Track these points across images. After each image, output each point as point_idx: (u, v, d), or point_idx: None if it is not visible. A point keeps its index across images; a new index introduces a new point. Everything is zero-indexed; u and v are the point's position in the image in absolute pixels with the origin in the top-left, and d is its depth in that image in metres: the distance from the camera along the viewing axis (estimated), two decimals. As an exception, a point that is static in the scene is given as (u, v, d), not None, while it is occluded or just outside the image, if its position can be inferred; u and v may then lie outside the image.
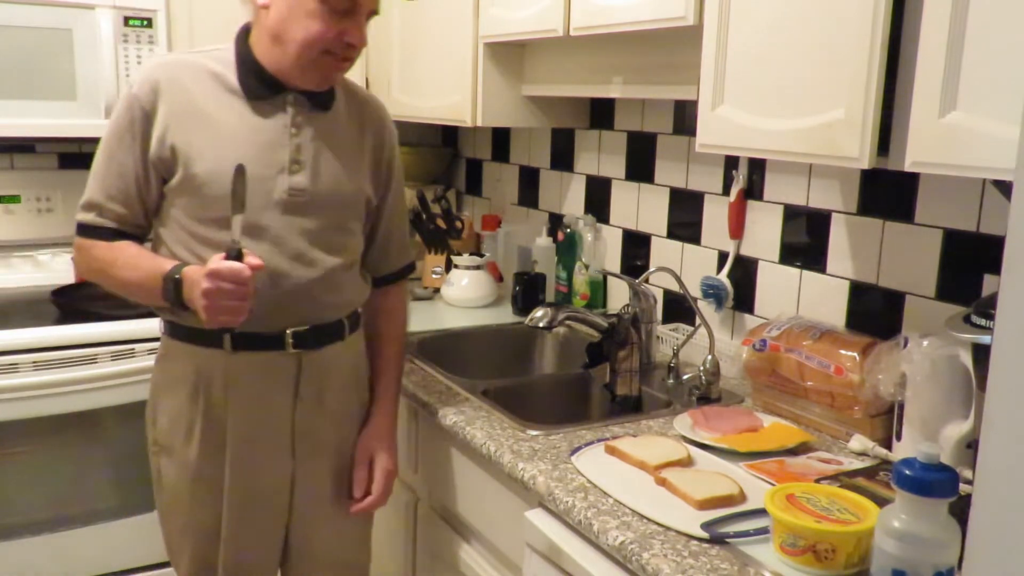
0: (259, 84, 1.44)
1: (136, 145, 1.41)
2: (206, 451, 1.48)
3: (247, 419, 1.47)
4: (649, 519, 1.22)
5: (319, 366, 1.50)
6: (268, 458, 1.50)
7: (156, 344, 2.14)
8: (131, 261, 1.44)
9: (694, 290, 1.99)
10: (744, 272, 1.95)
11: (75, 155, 2.68)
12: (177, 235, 1.44)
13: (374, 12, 1.43)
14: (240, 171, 1.33)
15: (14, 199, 2.53)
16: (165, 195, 1.44)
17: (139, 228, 1.48)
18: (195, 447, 1.48)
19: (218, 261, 1.29)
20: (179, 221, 1.44)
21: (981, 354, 1.24)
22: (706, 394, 1.76)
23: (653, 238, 2.22)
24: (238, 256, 1.30)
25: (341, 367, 1.56)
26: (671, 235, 2.16)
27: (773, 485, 1.31)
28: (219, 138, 1.40)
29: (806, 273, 1.80)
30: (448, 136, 3.13)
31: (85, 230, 1.48)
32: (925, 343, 1.39)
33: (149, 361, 2.12)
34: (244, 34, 1.48)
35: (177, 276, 1.36)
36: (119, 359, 2.12)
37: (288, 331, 1.45)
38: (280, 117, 1.44)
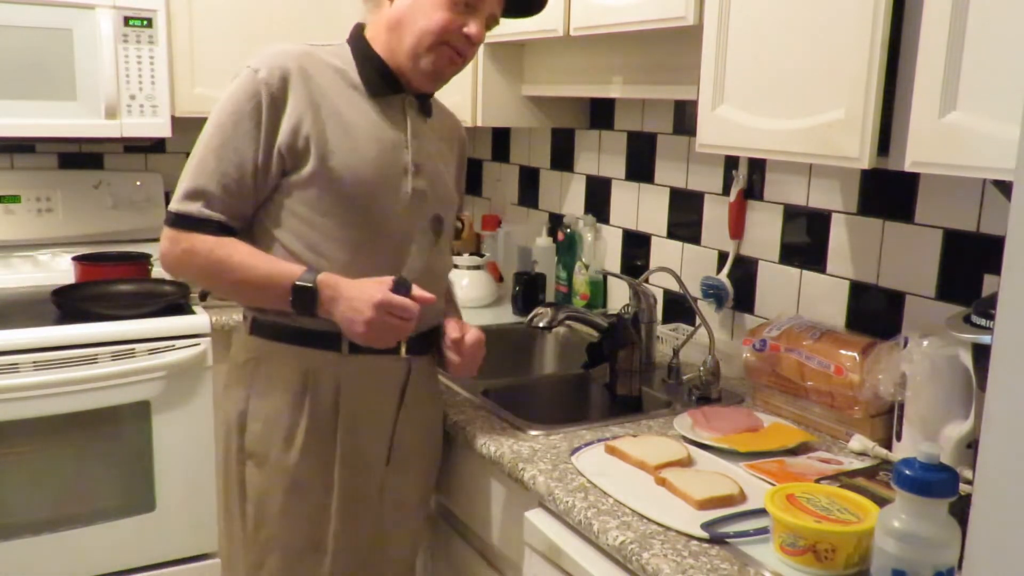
0: (380, 80, 1.41)
1: (259, 132, 1.33)
2: (307, 458, 1.40)
3: (356, 424, 1.42)
4: (649, 519, 1.22)
5: (422, 372, 1.50)
6: (370, 466, 1.46)
7: (156, 344, 2.18)
8: (247, 261, 1.34)
9: (694, 290, 1.99)
10: (744, 272, 1.95)
11: (75, 155, 2.68)
12: (296, 230, 1.37)
13: (495, 18, 1.43)
14: (404, 284, 1.33)
15: (14, 199, 2.53)
16: (283, 188, 1.37)
17: (244, 223, 1.39)
18: (295, 454, 1.40)
19: (387, 292, 1.28)
20: (298, 215, 1.37)
21: (981, 354, 1.24)
22: (706, 394, 1.76)
23: (653, 238, 2.22)
24: (407, 288, 1.30)
25: (434, 376, 1.58)
26: (671, 235, 2.16)
27: (773, 485, 1.31)
28: (350, 133, 1.36)
29: (806, 273, 1.80)
30: (448, 136, 3.13)
31: (186, 222, 1.34)
32: (925, 343, 1.39)
33: (149, 361, 2.14)
34: (359, 31, 1.45)
35: (310, 285, 1.30)
36: (119, 359, 2.12)
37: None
38: (399, 119, 1.43)
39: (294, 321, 1.38)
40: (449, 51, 1.39)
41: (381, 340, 1.32)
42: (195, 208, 1.34)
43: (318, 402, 1.40)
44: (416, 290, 1.31)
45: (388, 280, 1.31)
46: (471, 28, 1.37)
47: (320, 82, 1.36)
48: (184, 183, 1.35)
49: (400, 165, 1.41)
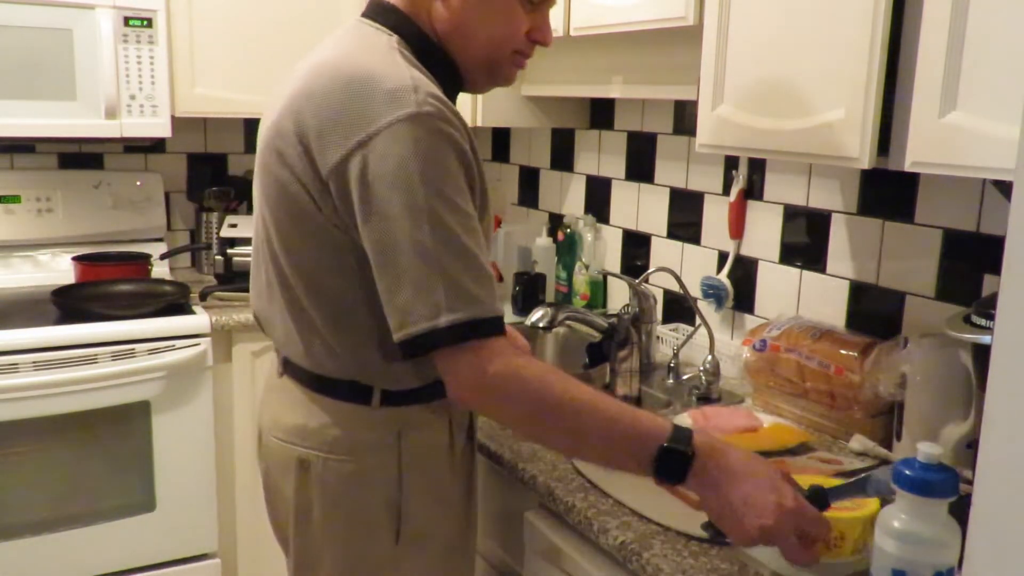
0: (456, 89, 1.20)
1: (473, 190, 1.07)
2: (461, 517, 1.27)
3: (478, 459, 1.31)
4: (649, 519, 1.22)
5: None
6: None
7: (156, 344, 2.18)
8: (597, 406, 1.03)
9: (694, 290, 1.99)
10: (744, 272, 1.95)
11: (75, 155, 2.68)
12: None
13: (553, 3, 1.22)
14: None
15: (14, 199, 2.53)
16: None
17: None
18: (452, 517, 1.24)
19: (800, 499, 1.00)
20: None
21: (981, 354, 1.24)
22: (706, 394, 1.76)
23: (653, 238, 2.22)
24: (824, 500, 1.03)
25: None
26: (671, 235, 2.16)
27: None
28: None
29: (806, 273, 1.80)
30: (448, 136, 3.13)
31: (493, 324, 1.02)
32: (925, 343, 1.39)
33: (149, 361, 2.14)
34: (405, 20, 1.15)
35: (686, 450, 1.00)
36: (119, 359, 2.12)
37: None
38: None
39: (435, 374, 1.08)
40: (519, 58, 1.20)
41: (758, 543, 1.01)
42: (499, 307, 1.03)
43: (460, 452, 1.25)
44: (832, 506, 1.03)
45: (788, 473, 1.04)
46: (543, 33, 1.19)
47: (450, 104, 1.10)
48: (464, 277, 1.00)
49: None
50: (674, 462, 1.01)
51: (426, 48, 1.15)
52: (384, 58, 1.08)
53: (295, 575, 1.28)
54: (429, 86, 1.05)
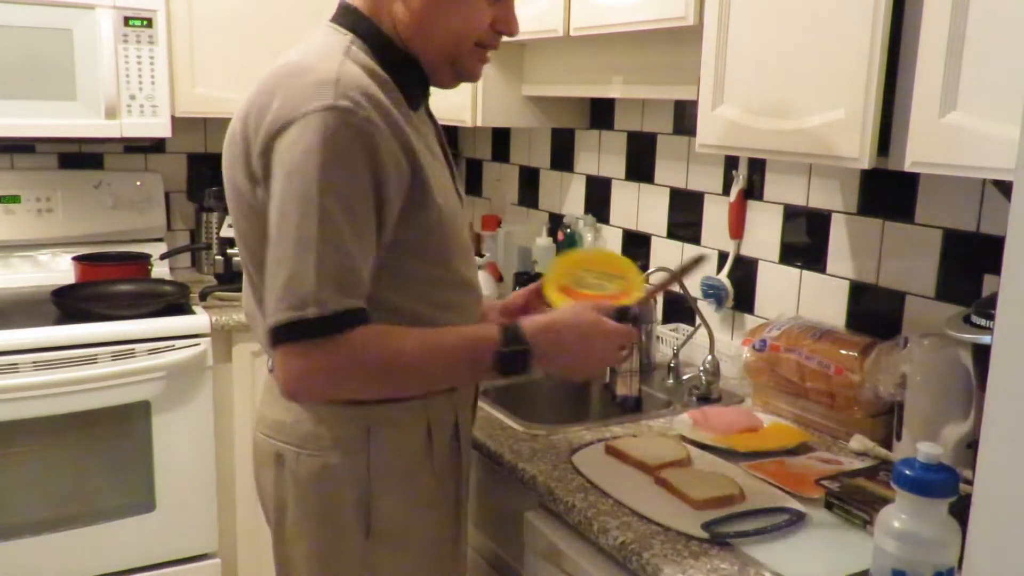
0: (419, 89, 1.20)
1: (379, 186, 1.06)
2: (442, 516, 1.26)
3: (469, 460, 1.31)
4: (649, 519, 1.22)
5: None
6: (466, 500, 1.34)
7: (156, 344, 2.18)
8: (425, 346, 1.09)
9: (694, 290, 1.99)
10: (744, 272, 1.95)
11: (75, 155, 2.68)
12: (414, 290, 1.15)
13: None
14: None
15: (14, 199, 2.53)
16: (394, 245, 1.11)
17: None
18: (431, 515, 1.24)
19: (616, 325, 1.17)
20: (411, 271, 1.15)
21: (981, 354, 1.24)
22: (706, 394, 1.76)
23: (653, 238, 2.22)
24: (625, 314, 1.21)
25: None
26: (671, 235, 2.16)
27: (773, 485, 1.31)
28: (421, 154, 1.12)
29: (806, 273, 1.80)
30: (448, 136, 3.12)
31: (332, 324, 1.03)
32: (925, 343, 1.39)
33: (149, 361, 2.14)
34: (364, 18, 1.17)
35: (524, 345, 1.10)
36: (119, 359, 2.12)
37: None
38: (430, 125, 1.26)
39: (506, 376, 1.15)
40: (482, 52, 1.21)
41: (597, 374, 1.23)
42: (338, 303, 1.02)
43: (441, 453, 1.24)
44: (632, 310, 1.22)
45: (598, 305, 1.20)
46: (508, 24, 1.20)
47: (385, 101, 1.09)
48: (308, 276, 1.02)
49: (449, 174, 1.25)
50: (514, 359, 1.10)
51: (384, 47, 1.16)
52: (325, 55, 1.10)
53: (277, 568, 1.29)
54: (359, 81, 1.06)
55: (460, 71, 1.22)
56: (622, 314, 1.21)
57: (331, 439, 1.18)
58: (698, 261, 1.30)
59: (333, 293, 1.02)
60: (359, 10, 1.18)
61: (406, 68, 1.17)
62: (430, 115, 1.29)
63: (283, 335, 1.03)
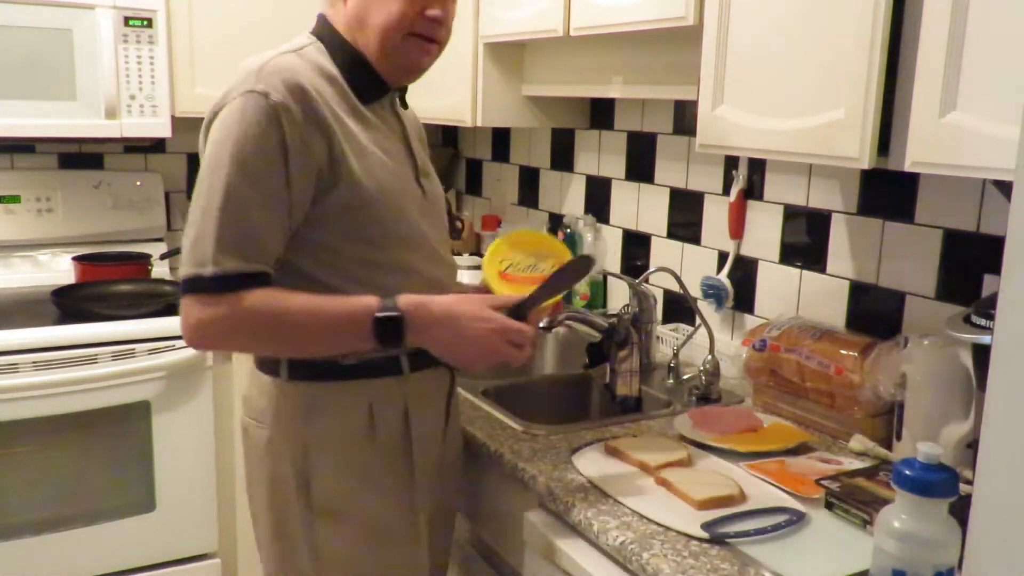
0: (372, 85, 1.29)
1: (287, 163, 1.15)
2: (387, 499, 1.30)
3: (427, 449, 1.34)
4: (649, 519, 1.22)
5: (455, 380, 1.45)
6: (440, 489, 1.40)
7: (156, 344, 2.18)
8: (309, 309, 1.17)
9: (694, 290, 1.99)
10: (744, 272, 1.95)
11: (75, 155, 2.68)
12: (333, 263, 1.23)
13: None
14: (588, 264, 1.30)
15: (14, 199, 2.53)
16: (311, 220, 1.21)
17: (277, 263, 1.21)
18: (373, 498, 1.28)
19: (502, 316, 1.20)
20: (333, 246, 1.22)
21: (981, 354, 1.24)
22: (706, 394, 1.76)
23: (653, 238, 2.22)
24: (523, 311, 1.23)
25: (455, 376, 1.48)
26: (671, 235, 2.16)
27: (773, 485, 1.31)
28: (365, 146, 1.23)
29: (806, 273, 1.80)
30: (448, 136, 3.13)
31: (225, 283, 1.13)
32: (925, 343, 1.39)
33: (149, 361, 2.14)
34: (331, 29, 1.30)
35: (396, 314, 1.17)
36: (119, 359, 2.12)
37: None
38: (392, 120, 1.34)
39: (352, 355, 1.25)
40: (418, 41, 1.27)
41: (487, 366, 1.23)
42: (233, 264, 1.13)
43: (387, 437, 1.29)
44: (533, 311, 1.23)
45: (493, 298, 1.23)
46: (434, 10, 1.25)
47: (324, 93, 1.22)
48: (210, 238, 1.13)
49: (408, 168, 1.33)
50: (391, 328, 1.17)
51: (338, 49, 1.28)
52: (277, 53, 1.23)
53: (255, 535, 1.39)
54: (283, 72, 1.18)
55: (399, 64, 1.29)
56: (518, 310, 1.23)
57: (273, 413, 1.28)
58: (586, 260, 1.33)
59: (230, 256, 1.13)
60: (327, 18, 1.31)
61: (355, 67, 1.28)
62: (395, 112, 1.36)
63: (186, 287, 1.16)
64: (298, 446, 1.27)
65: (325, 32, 1.30)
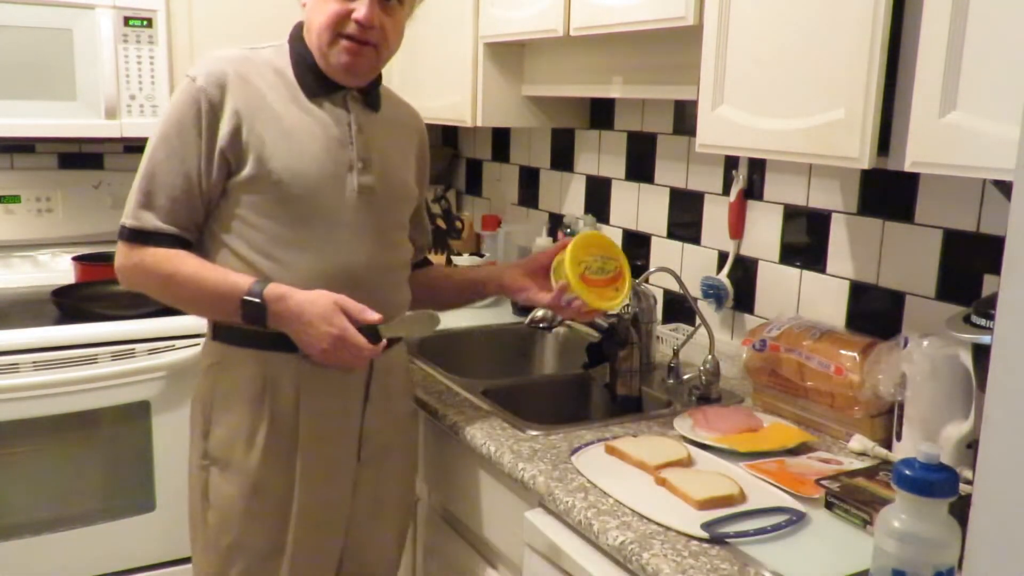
0: (315, 81, 1.42)
1: (201, 139, 1.35)
2: (269, 461, 1.41)
3: (318, 425, 1.43)
4: (649, 519, 1.22)
5: (386, 367, 1.50)
6: (336, 463, 1.46)
7: (156, 344, 2.18)
8: (195, 276, 1.35)
9: (694, 290, 1.99)
10: (744, 272, 1.95)
11: (75, 155, 2.68)
12: (244, 234, 1.38)
13: None
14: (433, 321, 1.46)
15: (14, 199, 2.53)
16: (228, 193, 1.38)
17: (197, 233, 1.41)
18: (257, 457, 1.40)
19: (346, 325, 1.32)
20: (245, 219, 1.38)
21: (981, 354, 1.24)
22: (706, 394, 1.76)
23: (653, 238, 2.22)
24: (374, 333, 1.35)
25: (402, 368, 1.59)
26: (671, 235, 2.16)
27: (773, 485, 1.31)
28: (289, 134, 1.38)
29: (806, 273, 1.80)
30: (448, 136, 3.13)
31: (138, 236, 1.37)
32: (925, 343, 1.39)
33: (149, 361, 2.14)
34: (299, 32, 1.46)
35: (258, 300, 1.32)
36: (119, 359, 2.12)
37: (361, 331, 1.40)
38: (341, 115, 1.43)
39: (252, 325, 1.39)
40: (347, 43, 1.38)
41: (334, 364, 1.37)
42: (147, 221, 1.36)
43: (279, 405, 1.41)
44: (383, 338, 1.37)
45: (345, 302, 1.33)
46: (358, 13, 1.36)
47: (258, 85, 1.38)
48: (134, 196, 1.37)
49: (344, 162, 1.41)
50: (255, 310, 1.32)
51: (296, 50, 1.44)
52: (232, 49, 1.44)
53: None
54: (215, 62, 1.37)
55: (333, 64, 1.40)
56: (372, 328, 1.34)
57: (201, 365, 1.49)
58: (432, 317, 1.48)
59: (146, 212, 1.36)
60: (300, 22, 1.47)
61: (302, 65, 1.43)
62: (350, 109, 1.45)
63: (118, 234, 1.40)
64: (206, 398, 1.45)
65: (292, 34, 1.47)
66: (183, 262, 1.36)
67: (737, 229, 1.93)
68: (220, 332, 1.45)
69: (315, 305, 1.32)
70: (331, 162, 1.40)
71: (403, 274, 1.55)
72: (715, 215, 2.01)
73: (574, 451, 1.45)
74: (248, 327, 1.38)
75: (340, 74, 1.41)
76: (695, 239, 2.08)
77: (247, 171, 1.35)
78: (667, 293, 2.15)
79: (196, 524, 1.48)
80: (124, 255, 1.39)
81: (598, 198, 2.40)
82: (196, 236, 1.41)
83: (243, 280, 1.34)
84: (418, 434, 1.67)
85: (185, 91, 1.36)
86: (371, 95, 1.48)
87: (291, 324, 1.33)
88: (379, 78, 1.50)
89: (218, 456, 1.43)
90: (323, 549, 1.49)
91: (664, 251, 2.18)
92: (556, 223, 2.51)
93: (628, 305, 1.97)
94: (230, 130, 1.35)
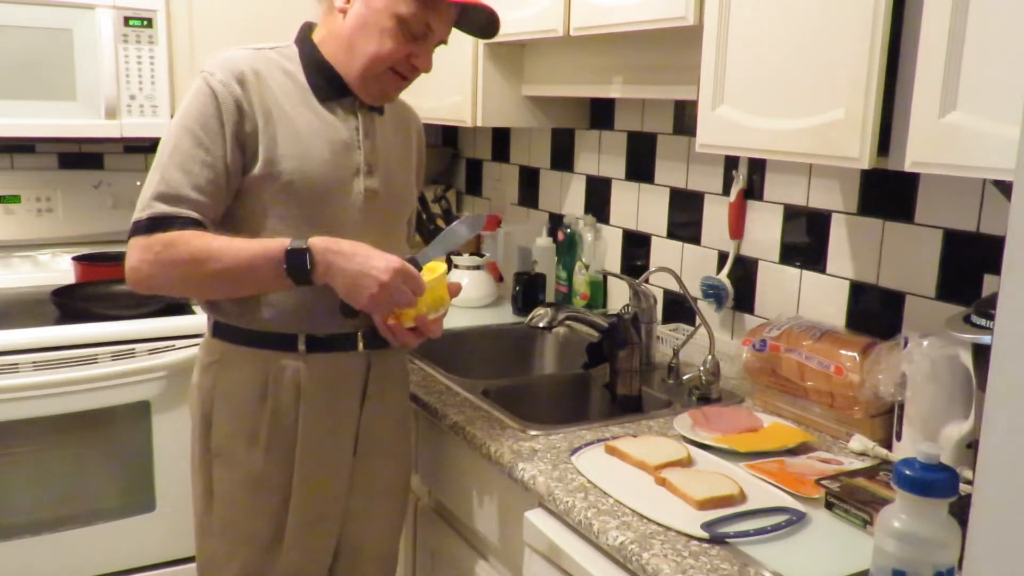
0: (328, 86, 1.43)
1: (224, 132, 1.34)
2: (271, 456, 1.44)
3: (317, 421, 1.45)
4: (649, 519, 1.22)
5: (384, 365, 1.52)
6: (334, 459, 1.49)
7: (156, 344, 2.18)
8: (230, 244, 1.31)
9: (694, 290, 1.99)
10: (744, 272, 1.95)
11: (75, 155, 2.68)
12: (254, 234, 1.38)
13: (443, 42, 1.45)
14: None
15: (14, 199, 2.53)
16: (240, 191, 1.39)
17: (215, 224, 1.38)
18: (259, 453, 1.44)
19: (405, 262, 1.32)
20: (255, 218, 1.39)
21: (981, 354, 1.24)
22: (706, 394, 1.76)
23: (653, 238, 2.22)
24: (418, 268, 1.36)
25: (400, 366, 1.61)
26: (671, 235, 2.16)
27: (773, 485, 1.31)
28: (299, 136, 1.39)
29: (806, 273, 1.80)
30: (448, 136, 3.13)
31: (159, 223, 1.32)
32: (925, 343, 1.39)
33: (149, 361, 2.14)
34: (307, 32, 1.47)
35: (304, 246, 1.29)
36: (119, 359, 2.12)
37: (359, 332, 1.46)
38: (349, 120, 1.45)
39: (252, 324, 1.42)
40: (396, 78, 1.42)
41: (383, 308, 1.34)
42: (168, 208, 1.32)
43: (279, 402, 1.43)
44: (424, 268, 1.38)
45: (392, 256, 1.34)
46: (420, 60, 1.41)
47: (272, 85, 1.39)
48: (152, 189, 1.33)
49: (352, 166, 1.43)
50: (299, 261, 1.28)
51: (307, 53, 1.45)
52: (242, 48, 1.43)
53: None
54: (230, 61, 1.37)
55: (374, 90, 1.44)
56: (414, 262, 1.36)
57: (200, 363, 1.50)
58: (478, 217, 1.52)
59: (166, 201, 1.32)
60: (309, 28, 1.48)
61: (319, 71, 1.43)
62: (357, 113, 1.46)
63: (129, 233, 1.36)
64: (207, 393, 1.46)
65: (301, 37, 1.47)
66: (212, 238, 1.32)
67: (737, 229, 1.93)
68: (221, 330, 1.46)
69: (367, 247, 1.32)
70: (339, 166, 1.42)
71: None
72: (715, 215, 2.01)
73: (574, 451, 1.45)
74: (249, 326, 1.40)
75: (375, 98, 1.45)
76: (695, 239, 2.08)
77: (257, 170, 1.36)
78: (667, 293, 2.15)
79: (201, 515, 1.51)
80: (141, 249, 1.33)
81: (598, 198, 2.40)
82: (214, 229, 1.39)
83: (279, 240, 1.31)
84: (413, 430, 1.68)
85: (205, 86, 1.35)
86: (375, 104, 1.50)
87: (348, 263, 1.29)
88: None
89: (222, 450, 1.46)
90: (320, 540, 1.51)
91: (664, 251, 2.18)
92: (556, 223, 2.51)
93: (628, 305, 1.97)
94: (249, 127, 1.36)
